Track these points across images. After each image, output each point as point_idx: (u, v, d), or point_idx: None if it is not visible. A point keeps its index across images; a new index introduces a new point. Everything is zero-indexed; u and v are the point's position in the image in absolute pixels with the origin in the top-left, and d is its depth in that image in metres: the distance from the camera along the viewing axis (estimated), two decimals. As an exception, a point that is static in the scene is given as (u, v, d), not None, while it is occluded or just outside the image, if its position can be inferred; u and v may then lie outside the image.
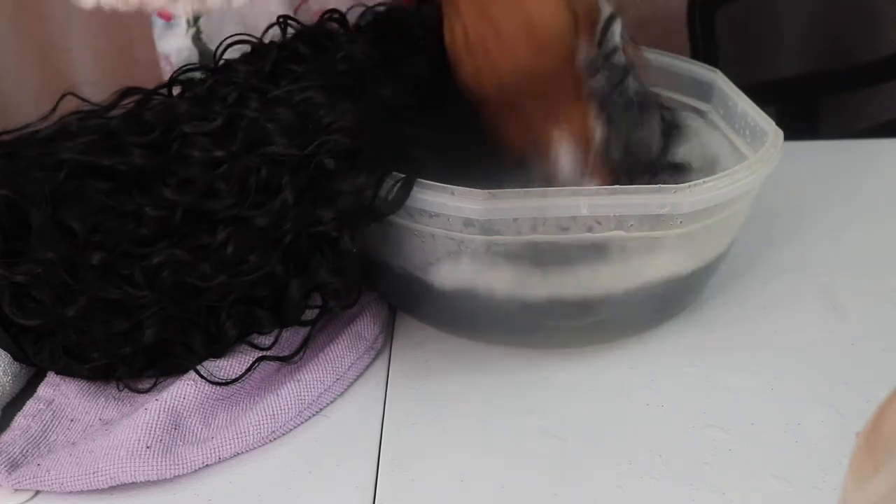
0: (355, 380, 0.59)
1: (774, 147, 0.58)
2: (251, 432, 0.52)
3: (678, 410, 0.55)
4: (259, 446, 0.53)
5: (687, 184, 0.52)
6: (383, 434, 0.54)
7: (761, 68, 0.73)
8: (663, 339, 0.61)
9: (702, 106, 0.69)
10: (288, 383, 0.55)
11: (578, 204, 0.51)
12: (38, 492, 0.50)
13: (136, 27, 1.02)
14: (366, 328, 0.61)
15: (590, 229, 0.52)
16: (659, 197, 0.52)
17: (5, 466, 0.50)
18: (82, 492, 0.50)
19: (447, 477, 0.51)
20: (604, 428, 0.54)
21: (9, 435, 0.52)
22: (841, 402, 0.55)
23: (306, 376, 0.56)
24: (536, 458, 0.52)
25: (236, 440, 0.52)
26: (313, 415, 0.56)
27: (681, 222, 0.53)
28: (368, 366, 0.60)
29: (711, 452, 0.52)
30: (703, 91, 0.68)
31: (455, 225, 0.53)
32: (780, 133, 0.59)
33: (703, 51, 1.16)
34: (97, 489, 0.50)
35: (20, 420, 0.54)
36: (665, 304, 0.61)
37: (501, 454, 0.52)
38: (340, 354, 0.58)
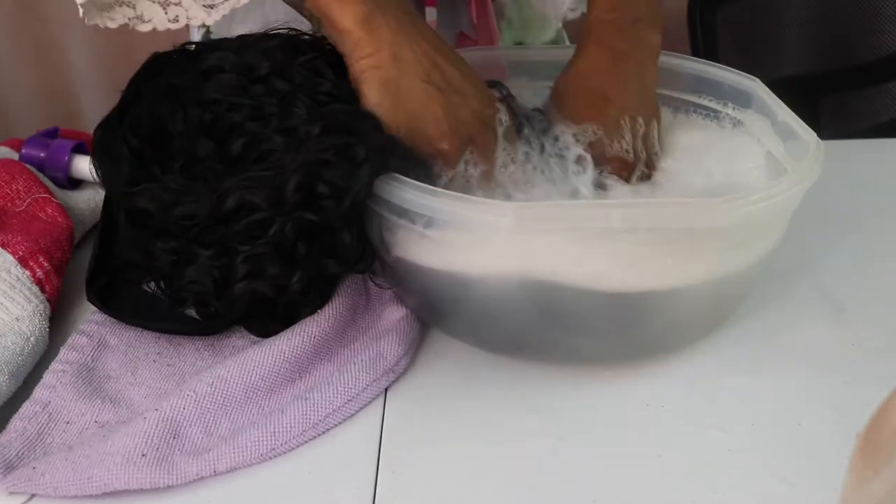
0: (369, 402, 0.56)
1: (815, 159, 0.56)
2: (249, 447, 0.51)
3: (678, 410, 0.55)
4: (257, 463, 0.52)
5: (726, 197, 0.51)
6: (383, 434, 0.54)
7: (761, 68, 0.73)
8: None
9: (740, 115, 0.67)
10: (296, 401, 0.54)
11: (611, 215, 0.50)
12: (33, 495, 0.50)
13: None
14: (389, 348, 0.58)
15: (625, 242, 0.51)
16: (696, 210, 0.51)
17: (1, 469, 0.50)
18: (77, 496, 0.49)
19: (447, 477, 0.51)
20: (604, 428, 0.54)
21: (5, 437, 0.52)
22: (841, 402, 0.55)
23: (316, 395, 0.54)
24: (537, 459, 0.52)
25: (234, 455, 0.51)
26: (318, 435, 0.54)
27: (720, 236, 0.52)
28: (388, 388, 0.57)
29: (711, 452, 0.52)
30: (742, 100, 0.67)
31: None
32: (822, 144, 0.57)
33: (703, 51, 1.16)
34: (91, 495, 0.49)
35: (16, 422, 0.53)
36: (708, 315, 0.59)
37: (501, 454, 0.52)
38: (356, 375, 0.56)
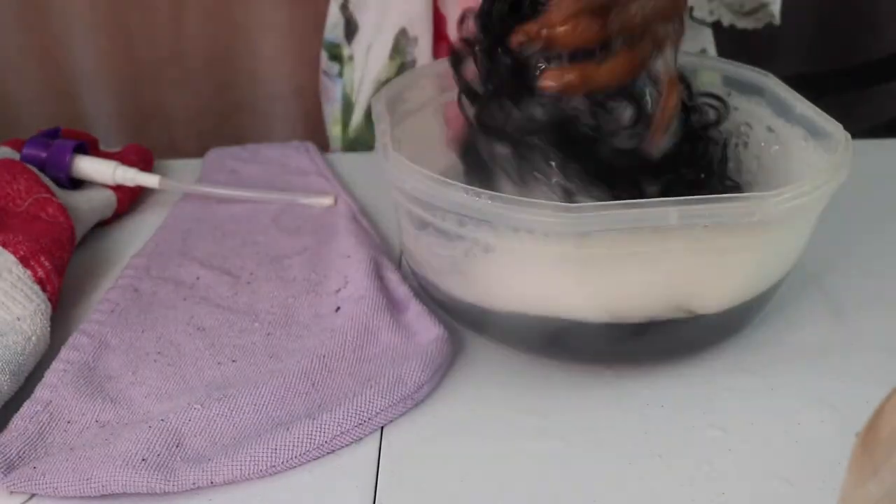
0: (381, 427, 0.54)
1: (847, 150, 0.55)
2: (248, 463, 0.50)
3: (678, 410, 0.55)
4: (255, 479, 0.51)
5: (775, 191, 0.50)
6: (383, 434, 0.54)
7: (761, 68, 0.73)
8: (663, 340, 0.61)
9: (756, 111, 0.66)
10: (304, 418, 0.52)
11: (668, 212, 0.49)
12: (33, 494, 0.50)
13: (138, 26, 1.02)
14: (411, 373, 0.55)
15: (675, 240, 0.50)
16: (748, 205, 0.50)
17: (1, 468, 0.50)
18: (76, 497, 0.49)
19: (447, 477, 0.51)
20: (604, 428, 0.54)
21: (5, 436, 0.52)
22: (841, 402, 0.55)
23: (325, 415, 0.53)
24: (536, 459, 0.52)
25: (231, 468, 0.50)
26: (323, 455, 0.52)
27: (764, 231, 0.51)
28: (402, 416, 0.55)
29: (711, 452, 0.52)
30: (756, 96, 0.66)
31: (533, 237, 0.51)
32: (849, 136, 0.57)
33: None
34: (90, 496, 0.49)
35: (17, 422, 0.53)
36: (745, 316, 0.59)
37: (502, 454, 0.52)
38: (370, 398, 0.54)
